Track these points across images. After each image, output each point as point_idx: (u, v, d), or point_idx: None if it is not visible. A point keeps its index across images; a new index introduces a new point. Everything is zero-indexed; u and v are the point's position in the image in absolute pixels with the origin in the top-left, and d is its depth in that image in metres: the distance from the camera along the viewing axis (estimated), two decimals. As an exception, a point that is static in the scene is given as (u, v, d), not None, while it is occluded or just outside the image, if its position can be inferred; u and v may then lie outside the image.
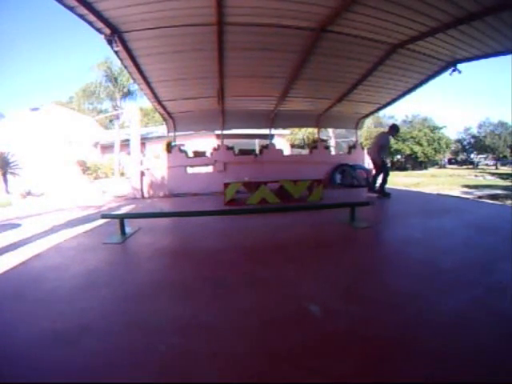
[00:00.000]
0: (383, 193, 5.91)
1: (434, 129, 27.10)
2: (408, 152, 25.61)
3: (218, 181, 6.84)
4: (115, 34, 4.20)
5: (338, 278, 2.04)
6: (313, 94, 7.43)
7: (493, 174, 20.26)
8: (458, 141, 34.49)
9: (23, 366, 1.22)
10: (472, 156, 35.13)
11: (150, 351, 1.28)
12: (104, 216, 3.57)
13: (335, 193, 6.90)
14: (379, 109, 9.11)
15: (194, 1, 3.81)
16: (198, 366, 1.19)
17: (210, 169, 8.52)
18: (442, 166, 30.54)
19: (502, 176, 18.82)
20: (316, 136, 12.03)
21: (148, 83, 6.10)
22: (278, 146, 9.64)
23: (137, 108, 9.23)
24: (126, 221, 3.47)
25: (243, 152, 8.92)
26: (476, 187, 12.48)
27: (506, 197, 9.68)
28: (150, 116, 26.21)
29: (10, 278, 2.25)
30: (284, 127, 13.96)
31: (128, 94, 18.02)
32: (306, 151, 16.02)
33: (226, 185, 5.70)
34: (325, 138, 17.77)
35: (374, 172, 6.31)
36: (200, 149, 9.05)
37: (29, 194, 10.37)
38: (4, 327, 1.55)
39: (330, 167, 8.87)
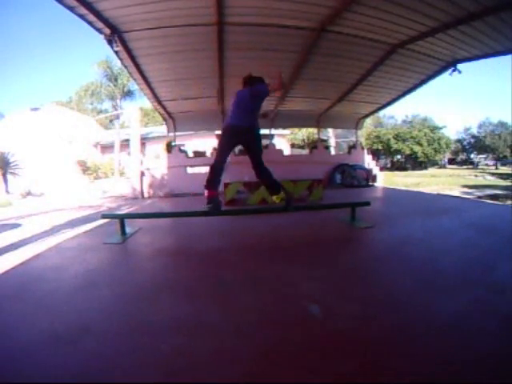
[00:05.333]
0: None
1: (433, 129, 27.08)
2: (408, 152, 25.59)
3: (218, 181, 6.83)
4: (115, 34, 4.20)
5: (338, 278, 2.04)
6: (313, 94, 7.43)
7: (493, 174, 20.25)
8: (458, 141, 34.46)
9: (23, 366, 1.22)
10: (472, 156, 35.10)
11: (151, 351, 1.28)
12: (104, 216, 3.57)
13: (335, 193, 6.90)
14: (379, 109, 9.11)
15: (194, 1, 3.81)
16: (198, 366, 1.19)
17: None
18: (442, 166, 30.51)
19: (502, 176, 18.82)
20: (316, 136, 12.03)
21: (148, 83, 6.10)
22: (278, 146, 9.65)
23: (137, 108, 9.24)
24: (127, 221, 3.47)
25: (243, 152, 8.91)
26: (476, 187, 12.48)
27: (506, 197, 9.67)
28: (150, 116, 26.17)
29: (10, 278, 2.24)
30: (284, 127, 13.96)
31: (128, 94, 17.99)
32: (306, 151, 16.02)
33: (226, 185, 5.70)
34: (325, 138, 17.75)
35: None
36: (200, 149, 9.05)
37: (29, 193, 10.36)
38: (4, 327, 1.55)
39: (330, 167, 8.87)
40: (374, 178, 9.14)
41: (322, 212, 4.43)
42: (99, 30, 4.11)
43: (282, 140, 16.28)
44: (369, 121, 22.36)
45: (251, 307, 1.65)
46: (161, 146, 9.13)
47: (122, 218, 3.42)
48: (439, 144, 26.09)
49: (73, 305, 1.76)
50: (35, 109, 15.65)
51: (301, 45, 4.97)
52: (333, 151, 14.08)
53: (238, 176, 6.85)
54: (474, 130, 33.76)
